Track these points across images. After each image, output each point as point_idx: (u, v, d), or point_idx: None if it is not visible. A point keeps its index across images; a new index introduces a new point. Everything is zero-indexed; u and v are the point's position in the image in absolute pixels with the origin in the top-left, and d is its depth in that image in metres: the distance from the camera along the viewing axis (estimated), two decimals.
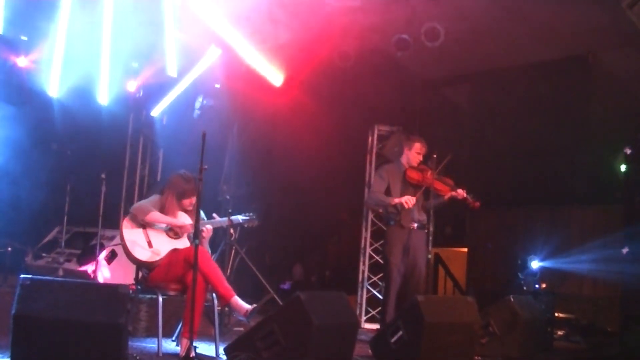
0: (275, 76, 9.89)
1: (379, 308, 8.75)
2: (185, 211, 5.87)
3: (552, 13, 8.73)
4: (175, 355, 5.48)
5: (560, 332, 8.84)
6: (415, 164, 7.39)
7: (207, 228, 5.86)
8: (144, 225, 5.74)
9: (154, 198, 5.95)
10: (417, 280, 7.23)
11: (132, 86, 10.32)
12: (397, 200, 7.18)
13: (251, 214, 6.18)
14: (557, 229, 10.12)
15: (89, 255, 8.68)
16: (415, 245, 7.25)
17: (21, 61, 9.17)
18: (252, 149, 11.09)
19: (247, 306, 5.44)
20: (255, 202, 10.17)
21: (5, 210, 8.57)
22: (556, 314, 8.75)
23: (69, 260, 8.83)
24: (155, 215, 5.73)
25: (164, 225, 5.79)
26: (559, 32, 9.20)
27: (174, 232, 5.79)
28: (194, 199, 5.77)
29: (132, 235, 5.66)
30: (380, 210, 7.82)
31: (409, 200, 7.09)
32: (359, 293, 9.89)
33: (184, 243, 5.77)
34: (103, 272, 8.37)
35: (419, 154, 7.39)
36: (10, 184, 8.78)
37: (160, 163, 11.09)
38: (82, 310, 4.14)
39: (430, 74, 11.21)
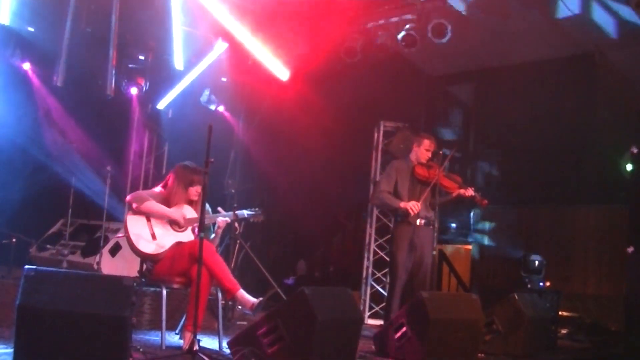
0: (282, 71, 9.88)
1: (383, 304, 8.76)
2: (191, 202, 5.85)
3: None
4: (179, 348, 5.47)
5: (564, 331, 8.83)
6: (424, 161, 7.37)
7: (220, 220, 5.88)
8: (148, 217, 5.72)
9: (154, 190, 5.94)
10: (422, 277, 7.21)
11: (138, 79, 10.32)
12: (402, 205, 7.14)
13: (257, 209, 6.18)
14: (562, 229, 10.09)
15: (93, 247, 8.69)
16: (421, 241, 7.22)
17: (25, 66, 9.22)
18: (257, 144, 11.09)
19: (253, 299, 5.45)
20: (260, 197, 10.18)
21: (10, 201, 8.58)
22: (560, 313, 8.73)
23: (73, 253, 8.85)
24: (151, 204, 5.69)
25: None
26: (565, 31, 9.17)
27: (177, 224, 5.76)
28: (199, 188, 5.76)
29: (136, 227, 5.64)
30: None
31: (414, 207, 7.07)
32: (363, 289, 9.88)
33: (187, 236, 5.75)
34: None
35: (428, 150, 7.36)
36: (14, 176, 8.79)
37: (166, 156, 11.10)
38: (86, 302, 4.12)
39: (437, 70, 11.19)
